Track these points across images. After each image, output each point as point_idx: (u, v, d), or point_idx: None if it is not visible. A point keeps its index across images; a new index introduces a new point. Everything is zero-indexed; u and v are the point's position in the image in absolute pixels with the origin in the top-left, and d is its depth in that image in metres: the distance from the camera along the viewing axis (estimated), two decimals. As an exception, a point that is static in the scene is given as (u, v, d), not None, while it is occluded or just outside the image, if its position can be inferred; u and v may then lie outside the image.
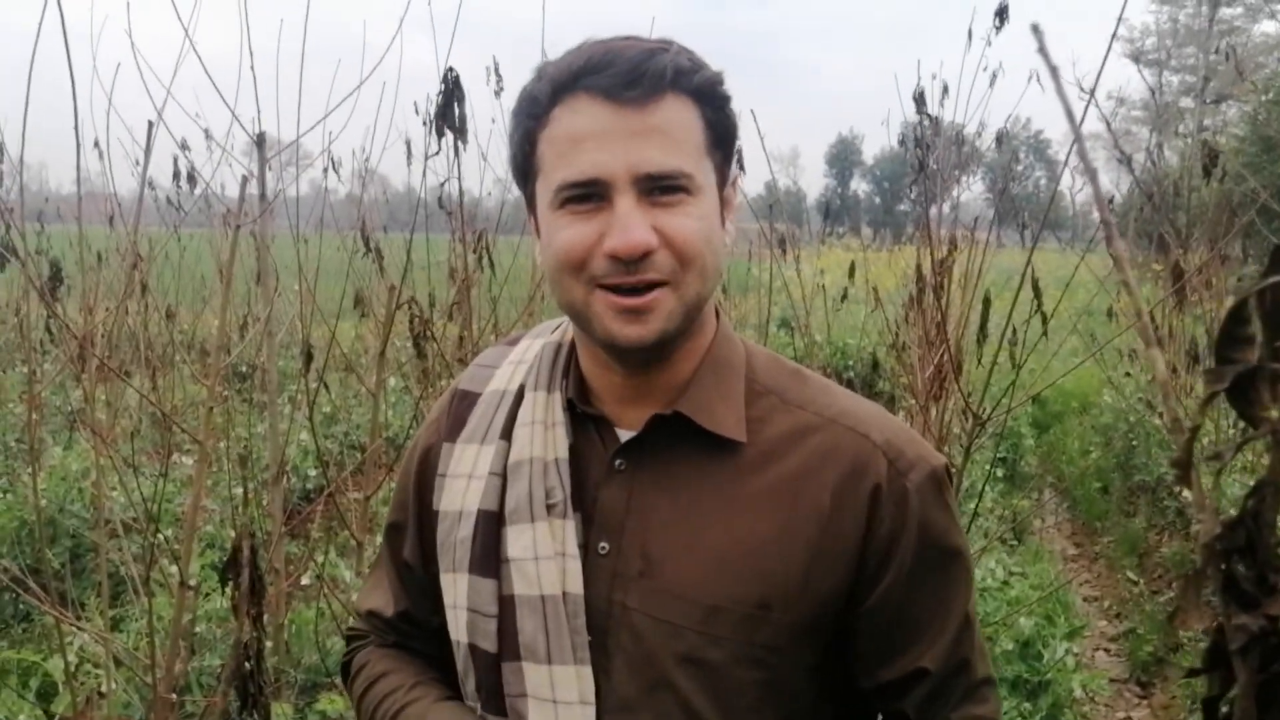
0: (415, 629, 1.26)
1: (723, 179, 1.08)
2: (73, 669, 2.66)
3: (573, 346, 1.18)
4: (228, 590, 2.74)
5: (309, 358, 3.73)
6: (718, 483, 1.09)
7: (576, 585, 1.09)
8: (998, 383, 3.16)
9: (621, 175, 1.00)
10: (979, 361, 4.20)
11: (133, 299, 6.31)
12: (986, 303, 4.13)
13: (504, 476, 1.14)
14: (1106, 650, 4.94)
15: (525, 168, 1.09)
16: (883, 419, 1.12)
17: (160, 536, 3.75)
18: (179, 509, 4.27)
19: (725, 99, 1.06)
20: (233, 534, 2.89)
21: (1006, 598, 3.87)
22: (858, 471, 1.08)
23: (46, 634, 3.72)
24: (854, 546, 1.07)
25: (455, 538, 1.16)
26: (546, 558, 1.09)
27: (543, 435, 1.13)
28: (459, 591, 1.14)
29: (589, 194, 1.02)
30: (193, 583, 3.51)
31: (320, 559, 4.29)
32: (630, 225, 1.00)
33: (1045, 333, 2.69)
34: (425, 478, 1.23)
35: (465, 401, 1.23)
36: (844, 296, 6.75)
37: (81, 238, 4.35)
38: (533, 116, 1.05)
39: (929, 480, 1.09)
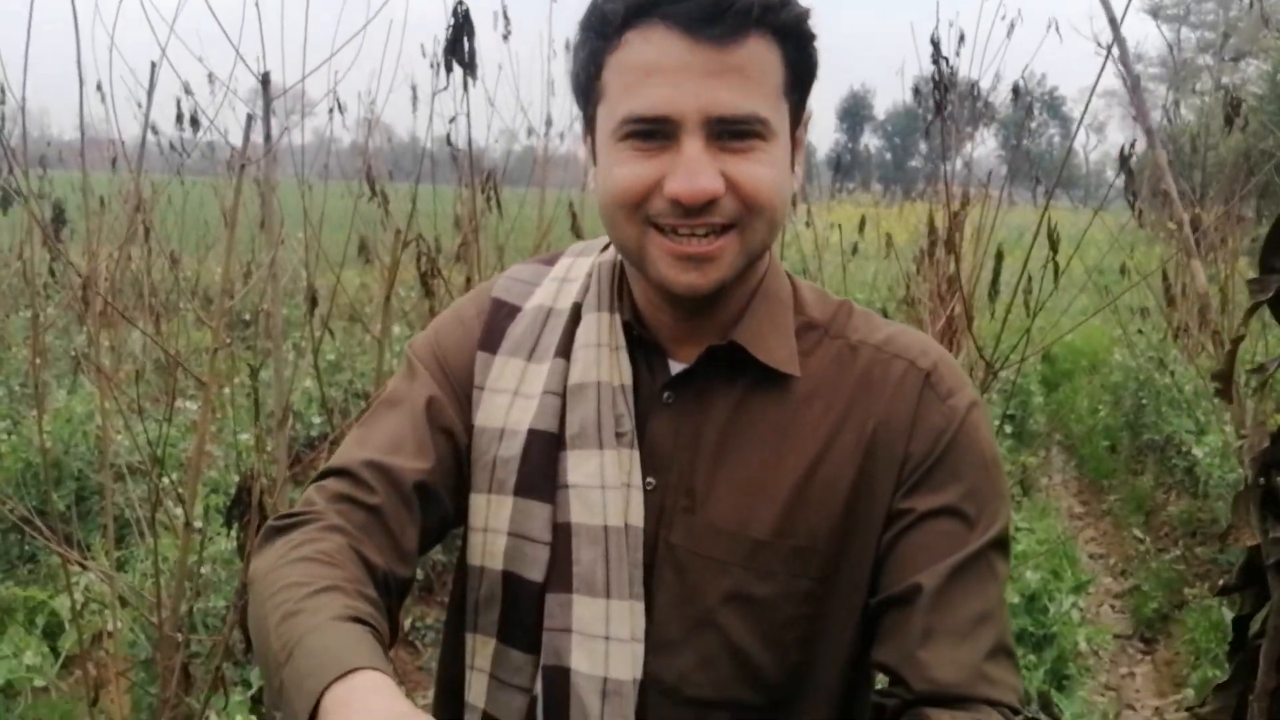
0: (408, 508, 1.05)
1: (796, 120, 1.04)
2: (79, 608, 2.66)
3: (624, 267, 1.13)
4: (232, 532, 2.74)
5: (313, 303, 3.70)
6: (765, 417, 1.06)
7: (638, 518, 1.05)
8: (1008, 341, 3.12)
9: (692, 116, 0.95)
10: (990, 316, 4.16)
11: (136, 244, 6.29)
12: (999, 256, 4.10)
13: (563, 398, 1.09)
14: (1112, 606, 4.94)
15: (587, 89, 1.03)
16: (926, 345, 1.09)
17: (165, 480, 3.75)
18: (183, 454, 4.26)
19: (810, 37, 1.01)
20: (237, 479, 2.88)
21: (1014, 552, 3.86)
22: (901, 397, 1.05)
23: (52, 574, 3.73)
24: (895, 472, 1.04)
25: (495, 456, 1.09)
26: (613, 487, 1.05)
27: (609, 359, 1.09)
28: (497, 514, 1.08)
29: (655, 131, 0.97)
30: (197, 525, 3.51)
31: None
32: (697, 170, 0.95)
33: (1057, 285, 2.65)
34: (460, 378, 1.13)
35: (503, 312, 1.16)
36: (854, 250, 6.70)
37: (85, 180, 4.30)
38: (601, 36, 0.99)
39: (971, 407, 1.06)
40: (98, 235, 5.14)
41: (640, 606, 1.04)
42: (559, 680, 1.05)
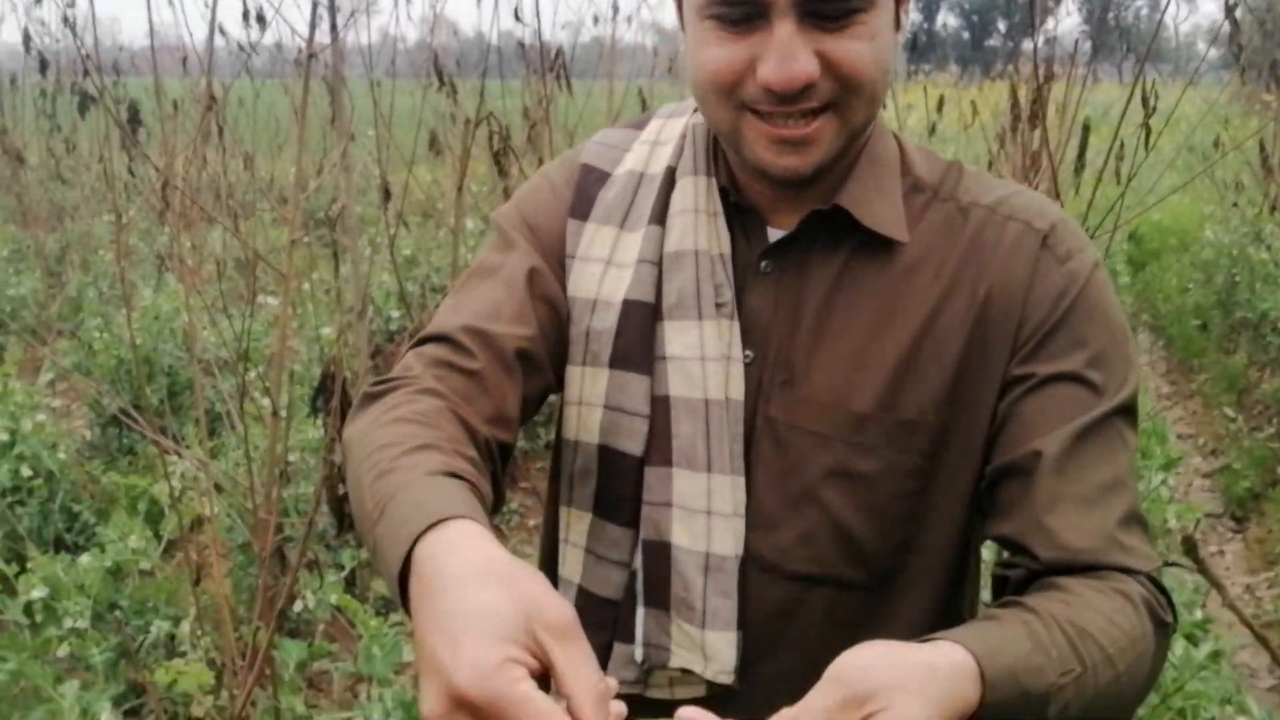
0: (509, 374, 1.01)
1: None
2: (176, 495, 2.75)
3: None
4: (317, 418, 2.80)
5: (387, 194, 3.71)
6: (870, 286, 1.01)
7: (739, 391, 1.02)
8: (1094, 220, 3.00)
9: None
10: (1075, 192, 4.02)
11: (211, 145, 6.35)
12: (1086, 129, 3.94)
13: (659, 266, 1.05)
14: (1200, 487, 4.85)
15: None
16: (1044, 205, 1.03)
17: (251, 372, 3.84)
18: (266, 349, 4.35)
19: None
20: (319, 372, 2.94)
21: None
22: (1016, 260, 0.99)
23: (150, 464, 3.86)
24: (1010, 339, 0.98)
25: (588, 327, 1.06)
26: (714, 359, 1.01)
27: (707, 225, 1.04)
28: (592, 387, 1.05)
29: (744, 13, 0.91)
30: (284, 413, 3.60)
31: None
32: (789, 55, 0.89)
33: (1149, 150, 2.52)
34: (553, 246, 1.09)
35: (592, 177, 1.11)
36: (932, 130, 6.50)
37: (157, 83, 4.32)
38: None
39: (1093, 268, 1.00)
40: (173, 136, 5.20)
41: (741, 481, 1.02)
42: (659, 555, 1.04)
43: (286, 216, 2.86)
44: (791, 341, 1.02)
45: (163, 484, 2.95)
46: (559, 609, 0.69)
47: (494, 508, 0.97)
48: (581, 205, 1.10)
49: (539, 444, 4.71)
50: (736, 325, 1.02)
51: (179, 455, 2.84)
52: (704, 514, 1.01)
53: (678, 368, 1.02)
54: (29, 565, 2.76)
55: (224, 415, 3.55)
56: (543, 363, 1.05)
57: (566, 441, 1.10)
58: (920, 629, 0.91)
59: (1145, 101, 3.15)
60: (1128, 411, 0.98)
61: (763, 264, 1.03)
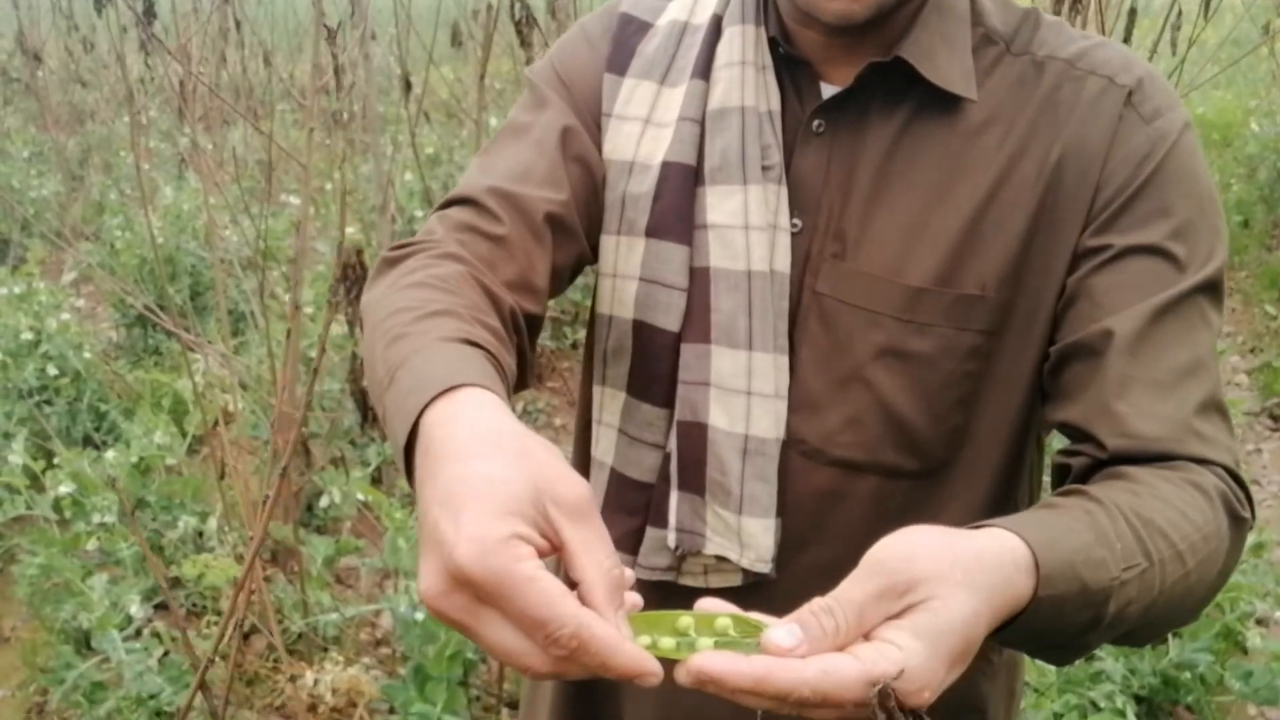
0: (538, 240, 0.94)
1: None
2: (200, 390, 2.72)
3: None
4: (338, 310, 2.75)
5: (408, 86, 3.60)
6: (932, 147, 0.92)
7: (785, 263, 0.94)
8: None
9: None
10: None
11: (230, 44, 6.23)
12: (1132, 14, 3.77)
13: (702, 125, 0.96)
14: (1239, 385, 4.75)
15: None
16: (1129, 59, 0.93)
17: (274, 270, 3.79)
18: (289, 249, 4.30)
19: None
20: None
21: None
22: (1096, 118, 0.90)
23: (176, 364, 3.84)
24: (1085, 205, 0.90)
25: (624, 192, 0.98)
26: (758, 228, 0.93)
27: (755, 79, 0.95)
28: (627, 258, 0.98)
29: None
30: (308, 310, 3.55)
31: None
32: None
33: (1208, 17, 2.38)
34: (589, 104, 1.01)
35: (632, 28, 1.02)
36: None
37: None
38: None
39: (1183, 129, 0.90)
40: (190, 33, 5.08)
41: (785, 361, 0.95)
42: (695, 436, 0.98)
43: (305, 107, 2.77)
44: (844, 209, 0.94)
45: (186, 380, 2.92)
46: (574, 486, 0.62)
47: (518, 383, 0.91)
48: (620, 58, 1.01)
49: (566, 343, 4.66)
50: (784, 191, 0.94)
51: (199, 348, 2.81)
52: (744, 394, 0.94)
53: (719, 237, 0.94)
54: (55, 461, 2.76)
55: (248, 314, 3.51)
56: (575, 229, 0.98)
57: (600, 316, 1.03)
58: (974, 522, 0.80)
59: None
60: (1212, 288, 0.89)
61: (815, 123, 0.95)
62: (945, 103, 0.92)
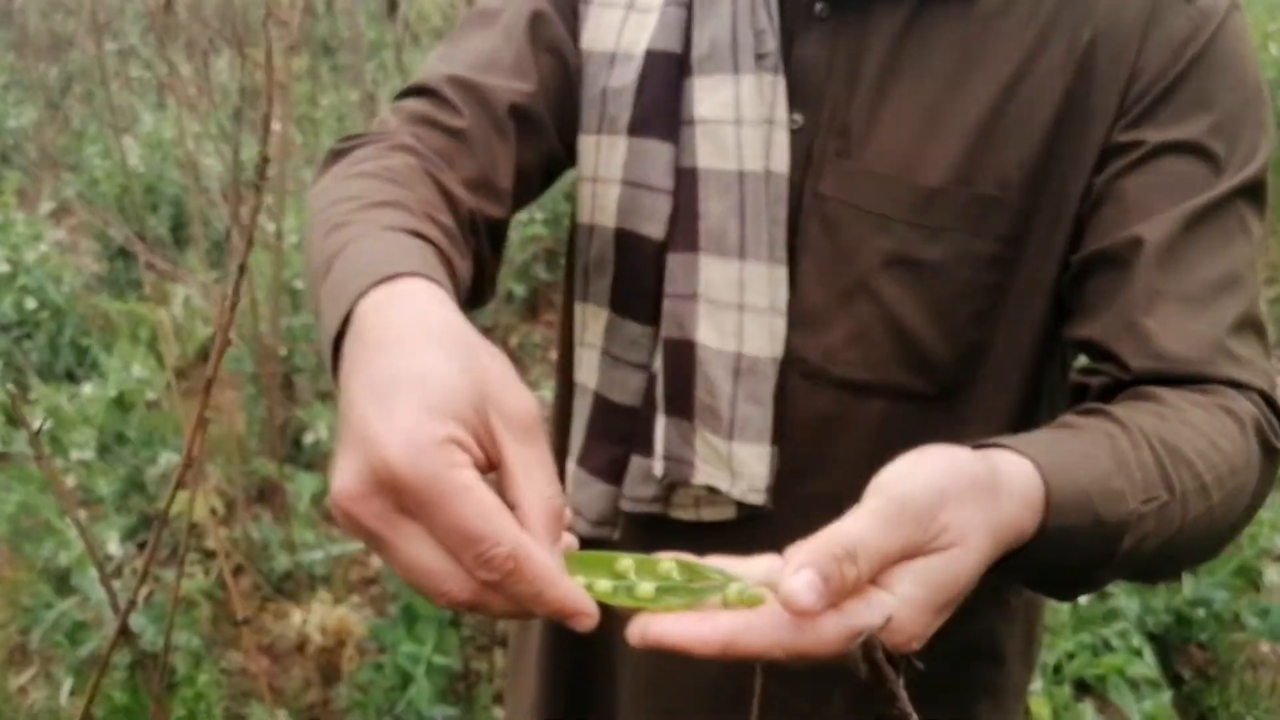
0: (500, 135, 0.85)
1: None
2: (180, 322, 2.62)
3: None
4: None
5: (393, 5, 3.45)
6: (946, 33, 0.82)
7: (782, 162, 0.84)
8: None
9: None
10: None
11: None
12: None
13: (689, 9, 0.87)
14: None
15: None
16: None
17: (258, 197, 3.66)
18: (271, 177, 4.16)
19: None
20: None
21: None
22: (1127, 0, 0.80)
23: (161, 298, 3.73)
24: (1118, 94, 0.80)
25: (605, 87, 0.89)
26: (752, 123, 0.84)
27: None
28: (608, 159, 0.89)
29: None
30: (292, 239, 3.44)
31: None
32: None
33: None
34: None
35: None
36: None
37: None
38: None
39: (1226, 9, 0.80)
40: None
41: (782, 272, 0.85)
42: (683, 355, 0.88)
43: (285, 25, 2.63)
44: (849, 102, 0.83)
45: (164, 311, 2.82)
46: (522, 399, 0.54)
47: (476, 296, 0.82)
48: None
49: (560, 275, 4.54)
50: (782, 81, 0.84)
51: (181, 281, 2.70)
52: (735, 308, 0.85)
53: (708, 133, 0.85)
54: (32, 396, 2.67)
55: (228, 247, 3.39)
56: (543, 123, 0.88)
57: (581, 226, 0.93)
58: None
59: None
60: (1254, 192, 0.80)
61: (817, 7, 0.84)
62: None
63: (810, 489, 0.88)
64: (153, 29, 4.92)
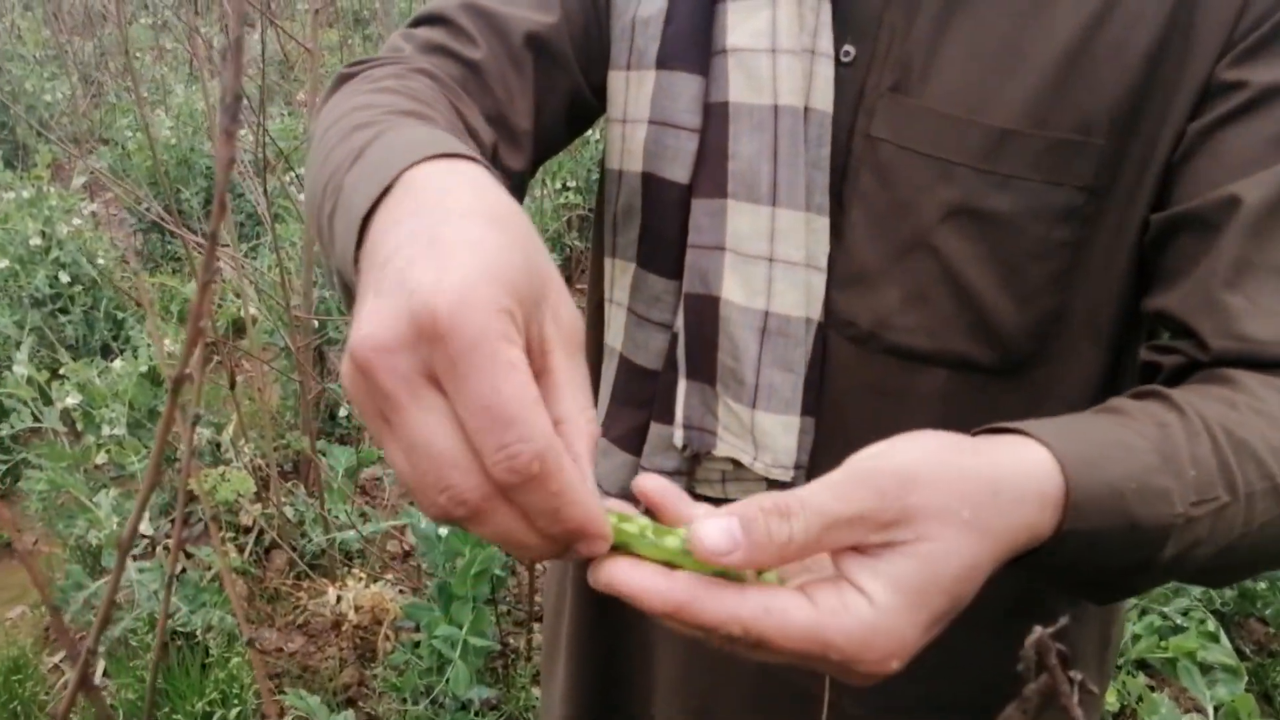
0: (517, 69, 0.78)
1: None
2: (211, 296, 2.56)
3: None
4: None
5: (423, -33, 3.37)
6: None
7: (825, 100, 0.75)
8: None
9: None
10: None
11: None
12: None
13: None
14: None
15: None
16: None
17: (289, 175, 3.61)
18: (305, 152, 4.11)
19: None
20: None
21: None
22: None
23: (194, 270, 3.69)
24: (1227, 24, 0.69)
25: (635, 16, 0.80)
26: (789, 51, 0.74)
27: None
28: (637, 96, 0.80)
29: None
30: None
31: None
32: None
33: None
34: None
35: None
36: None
37: None
38: None
39: None
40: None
41: (823, 222, 0.75)
42: (705, 313, 0.79)
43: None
44: (909, 32, 0.73)
45: (194, 284, 2.76)
46: (574, 311, 0.47)
47: None
48: None
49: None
50: (827, 7, 0.75)
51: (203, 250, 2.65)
52: (765, 261, 0.76)
53: (740, 63, 0.75)
54: (62, 371, 2.63)
55: (262, 218, 3.34)
56: (564, 56, 0.80)
57: (610, 173, 0.85)
58: None
59: None
60: None
61: None
62: None
63: None
64: (185, 2, 4.88)
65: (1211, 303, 0.67)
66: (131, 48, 6.54)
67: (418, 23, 0.80)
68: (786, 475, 0.79)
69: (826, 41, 0.75)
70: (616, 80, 0.82)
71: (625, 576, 0.45)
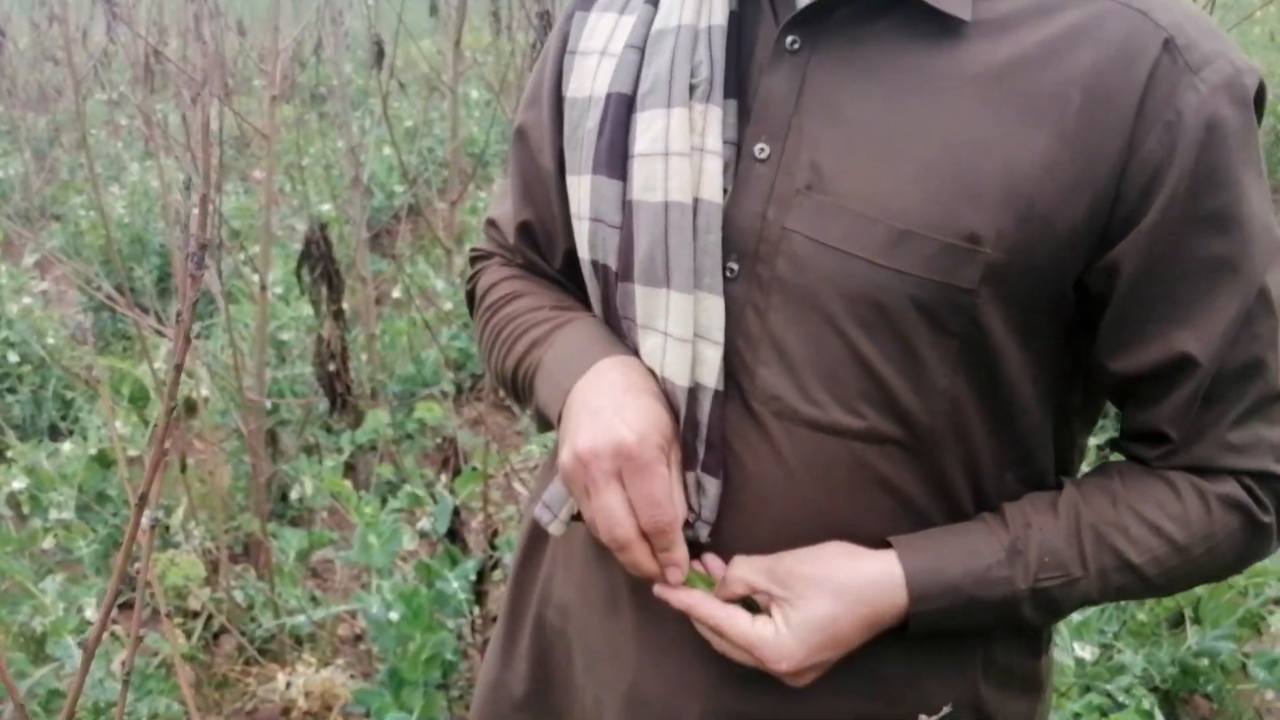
0: (536, 248, 1.02)
1: None
2: (161, 377, 2.57)
3: None
4: (303, 292, 2.60)
5: (379, 53, 3.44)
6: (923, 70, 0.78)
7: (713, 191, 0.82)
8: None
9: None
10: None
11: (203, 18, 6.03)
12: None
13: (644, 50, 0.88)
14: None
15: None
16: None
17: (243, 254, 3.63)
18: (258, 228, 4.13)
19: None
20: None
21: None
22: (1125, 59, 0.75)
23: (145, 349, 3.68)
24: (1106, 167, 0.75)
25: (583, 130, 0.90)
26: (679, 154, 0.82)
27: None
28: (581, 197, 0.90)
29: None
30: (278, 290, 3.40)
31: (409, 270, 4.15)
32: None
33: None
34: (561, 59, 0.97)
35: None
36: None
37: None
38: None
39: (1228, 87, 0.75)
40: (158, 3, 4.90)
41: (715, 302, 0.83)
42: None
43: (268, 74, 2.61)
44: (818, 136, 0.81)
45: (145, 366, 2.76)
46: (678, 442, 0.85)
47: None
48: None
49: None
50: (715, 110, 0.83)
51: (161, 334, 2.65)
52: (661, 334, 0.85)
53: (642, 166, 0.85)
54: (10, 454, 2.61)
55: (216, 297, 3.35)
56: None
57: (579, 259, 0.96)
58: (981, 498, 0.85)
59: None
60: (1269, 306, 0.80)
61: (789, 39, 0.82)
62: (939, 22, 0.78)
63: (757, 529, 0.86)
64: (139, 78, 4.91)
65: (1155, 433, 0.83)
66: (86, 124, 6.55)
67: (491, 223, 1.08)
68: (689, 528, 0.87)
69: (715, 140, 0.83)
70: (570, 183, 0.92)
71: (672, 593, 0.85)
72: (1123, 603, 2.24)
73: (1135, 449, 0.87)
